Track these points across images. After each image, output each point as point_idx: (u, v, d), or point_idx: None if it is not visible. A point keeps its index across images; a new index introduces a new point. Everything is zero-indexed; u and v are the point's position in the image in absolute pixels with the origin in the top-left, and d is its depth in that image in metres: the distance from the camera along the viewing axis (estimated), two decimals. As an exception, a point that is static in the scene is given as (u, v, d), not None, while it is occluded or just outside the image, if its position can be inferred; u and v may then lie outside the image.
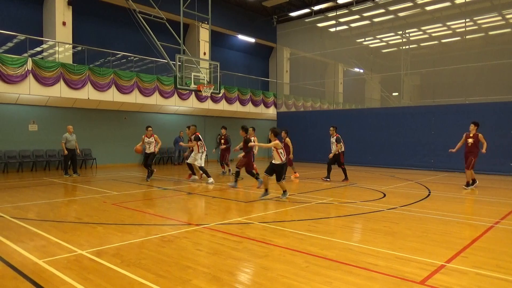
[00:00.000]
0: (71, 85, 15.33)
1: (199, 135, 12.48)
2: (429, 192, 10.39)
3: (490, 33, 19.28)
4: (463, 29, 18.71)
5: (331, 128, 13.04)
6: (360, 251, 4.89)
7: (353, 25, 23.29)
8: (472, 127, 11.38)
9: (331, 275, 4.02)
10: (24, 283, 3.78)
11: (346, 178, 12.61)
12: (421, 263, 4.42)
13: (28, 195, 9.36)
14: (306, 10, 22.93)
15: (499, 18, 18.40)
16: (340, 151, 12.58)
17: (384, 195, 9.72)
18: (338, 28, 23.01)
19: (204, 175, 12.26)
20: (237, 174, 11.37)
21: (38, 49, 16.76)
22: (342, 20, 22.59)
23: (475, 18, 18.74)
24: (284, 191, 8.92)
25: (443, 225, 6.46)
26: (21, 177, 13.56)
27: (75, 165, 14.19)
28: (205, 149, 12.54)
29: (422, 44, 22.15)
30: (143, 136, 12.74)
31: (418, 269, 4.22)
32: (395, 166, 18.00)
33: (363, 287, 3.73)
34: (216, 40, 22.22)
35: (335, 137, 13.06)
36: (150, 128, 12.76)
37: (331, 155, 12.70)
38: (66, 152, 13.63)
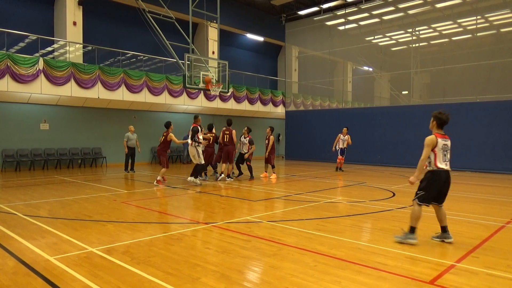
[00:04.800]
0: (81, 84, 15.49)
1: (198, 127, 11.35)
2: (439, 191, 10.28)
3: (502, 30, 18.99)
4: (474, 27, 18.48)
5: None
6: (369, 251, 4.87)
7: (362, 23, 23.14)
8: None
9: (340, 275, 4.02)
10: (36, 280, 3.84)
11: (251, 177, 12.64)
12: (431, 263, 4.39)
13: (40, 193, 9.49)
14: (315, 9, 22.85)
15: (511, 15, 18.11)
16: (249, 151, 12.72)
17: (394, 194, 9.66)
18: (347, 26, 22.87)
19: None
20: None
21: (49, 49, 16.97)
22: (351, 18, 22.45)
23: (486, 15, 18.49)
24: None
25: (453, 224, 6.39)
26: (33, 175, 13.75)
27: (133, 163, 14.88)
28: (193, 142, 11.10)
29: (432, 42, 21.91)
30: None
31: (427, 269, 4.19)
32: (404, 165, 17.84)
33: (372, 287, 3.72)
34: (225, 39, 22.25)
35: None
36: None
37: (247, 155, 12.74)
38: (127, 150, 14.39)
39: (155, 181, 11.29)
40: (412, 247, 5.02)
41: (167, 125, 11.46)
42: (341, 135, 15.65)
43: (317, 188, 10.76)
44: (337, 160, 15.87)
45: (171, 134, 11.22)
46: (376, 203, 8.47)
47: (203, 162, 11.19)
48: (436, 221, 6.65)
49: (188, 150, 12.47)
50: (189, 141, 11.00)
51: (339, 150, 15.70)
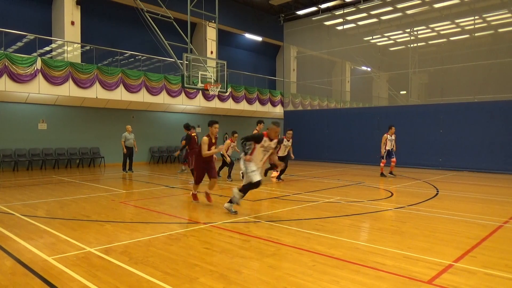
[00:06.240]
0: (79, 84, 15.47)
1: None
2: (437, 191, 10.31)
3: (500, 30, 19.06)
4: (472, 27, 18.53)
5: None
6: (367, 250, 4.88)
7: (360, 23, 23.17)
8: None
9: (339, 274, 4.02)
10: (34, 280, 3.83)
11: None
12: (429, 263, 4.40)
13: (38, 193, 9.47)
14: (313, 9, 22.85)
15: (509, 15, 18.17)
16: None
17: (392, 194, 9.67)
18: (345, 26, 22.89)
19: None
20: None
21: (47, 48, 16.93)
22: (349, 18, 22.49)
23: (484, 15, 18.54)
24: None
25: (451, 224, 6.41)
26: (31, 175, 13.71)
27: (131, 163, 14.87)
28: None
29: (430, 42, 21.96)
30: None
31: (426, 269, 4.20)
32: (402, 165, 17.86)
33: (371, 287, 3.72)
34: (223, 39, 22.23)
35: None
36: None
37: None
38: (125, 150, 14.41)
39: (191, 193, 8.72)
40: (411, 247, 5.03)
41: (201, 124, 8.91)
42: (388, 135, 13.65)
43: (315, 188, 10.76)
44: (381, 164, 13.88)
45: (204, 138, 7.79)
46: (375, 203, 8.48)
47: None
48: (435, 221, 6.67)
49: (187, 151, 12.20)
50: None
51: (385, 153, 13.65)
